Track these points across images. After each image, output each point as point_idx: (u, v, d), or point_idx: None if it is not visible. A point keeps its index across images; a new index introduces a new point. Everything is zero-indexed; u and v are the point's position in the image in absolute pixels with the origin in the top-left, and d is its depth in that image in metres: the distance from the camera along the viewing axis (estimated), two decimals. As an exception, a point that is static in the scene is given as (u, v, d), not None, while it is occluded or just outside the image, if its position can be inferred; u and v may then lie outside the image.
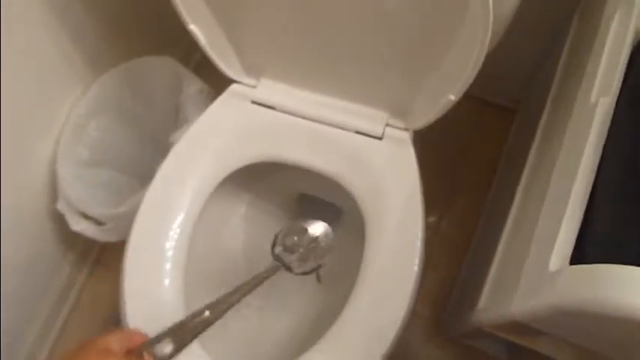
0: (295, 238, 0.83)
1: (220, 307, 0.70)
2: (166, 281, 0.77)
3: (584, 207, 0.53)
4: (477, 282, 0.86)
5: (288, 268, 0.80)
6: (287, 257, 0.81)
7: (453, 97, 0.73)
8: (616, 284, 0.43)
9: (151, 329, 0.75)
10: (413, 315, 1.17)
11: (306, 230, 0.84)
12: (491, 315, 0.70)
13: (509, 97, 1.28)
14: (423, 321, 1.19)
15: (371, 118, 0.84)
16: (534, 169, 0.79)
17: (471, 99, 1.30)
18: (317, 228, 0.85)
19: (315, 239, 0.84)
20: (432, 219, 1.26)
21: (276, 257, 0.80)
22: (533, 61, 1.12)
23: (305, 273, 0.82)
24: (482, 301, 0.78)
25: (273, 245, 0.82)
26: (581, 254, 0.52)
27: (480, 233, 1.16)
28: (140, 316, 0.75)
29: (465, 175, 1.29)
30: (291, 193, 1.09)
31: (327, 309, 0.92)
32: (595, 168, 0.54)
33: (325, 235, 0.84)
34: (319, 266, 0.82)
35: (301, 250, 0.82)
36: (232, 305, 0.70)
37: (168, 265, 0.78)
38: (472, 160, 1.30)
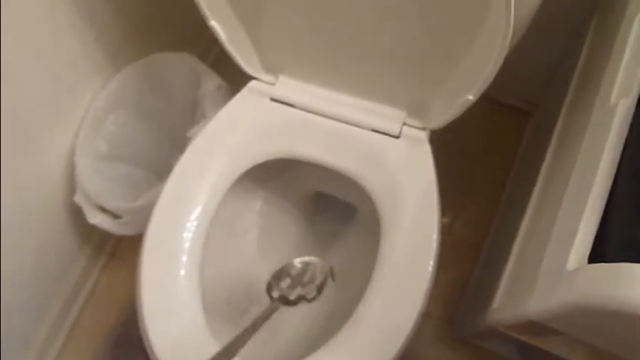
0: (289, 280, 0.79)
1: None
2: (182, 272, 0.78)
3: (603, 207, 0.53)
4: (491, 282, 0.86)
5: (289, 303, 0.78)
6: (278, 287, 0.78)
7: (471, 97, 0.73)
8: (635, 282, 0.43)
9: (165, 319, 0.76)
10: (425, 315, 1.18)
11: (292, 267, 0.81)
12: (507, 315, 0.71)
13: (524, 98, 1.28)
14: (434, 321, 1.19)
15: (388, 116, 0.85)
16: (551, 169, 0.79)
17: (487, 100, 1.30)
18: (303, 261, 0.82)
19: (306, 269, 0.81)
20: (445, 220, 1.26)
21: (276, 300, 0.78)
22: (550, 63, 1.12)
23: (286, 301, 0.78)
24: (497, 300, 0.78)
25: (270, 289, 0.78)
26: (599, 254, 0.52)
27: (493, 234, 1.16)
28: (155, 305, 0.77)
29: (479, 177, 1.29)
30: (306, 191, 1.10)
31: (341, 307, 0.92)
32: (615, 168, 0.54)
33: (314, 263, 0.82)
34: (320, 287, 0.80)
35: (298, 287, 0.79)
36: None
37: (184, 257, 0.79)
38: (486, 162, 1.30)
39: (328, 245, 1.09)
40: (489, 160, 1.30)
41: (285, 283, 0.78)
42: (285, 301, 0.77)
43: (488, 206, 1.24)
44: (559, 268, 0.53)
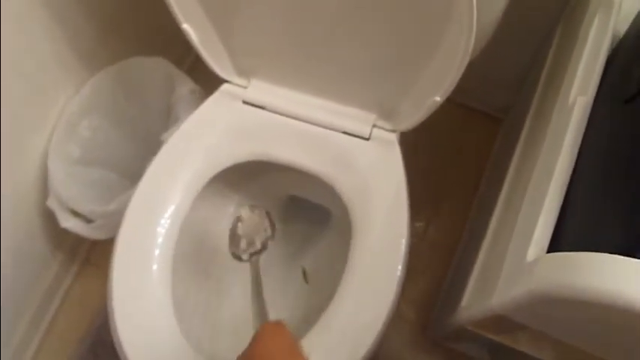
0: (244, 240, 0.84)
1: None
2: (154, 267, 0.79)
3: (561, 201, 0.55)
4: (461, 283, 0.88)
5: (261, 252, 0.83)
6: (239, 250, 0.83)
7: (438, 99, 0.75)
8: (589, 270, 0.44)
9: (137, 318, 0.76)
10: (399, 319, 1.19)
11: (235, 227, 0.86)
12: (474, 311, 0.72)
13: (496, 105, 1.31)
14: (409, 325, 1.20)
15: (359, 119, 0.86)
16: (517, 169, 0.81)
17: (460, 107, 1.34)
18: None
19: (249, 220, 0.86)
20: (419, 224, 1.28)
21: (235, 256, 0.83)
22: (520, 70, 1.15)
23: (257, 251, 0.83)
24: (466, 299, 0.80)
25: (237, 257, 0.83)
26: (557, 246, 0.53)
27: (465, 238, 1.18)
28: (127, 305, 0.77)
29: (452, 182, 1.31)
30: (280, 195, 1.10)
31: (314, 309, 0.93)
32: (572, 163, 0.56)
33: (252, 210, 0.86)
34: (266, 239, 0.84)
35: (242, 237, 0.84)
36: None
37: (157, 252, 0.80)
38: (460, 167, 1.32)
39: (302, 249, 1.09)
40: (463, 165, 1.32)
41: (243, 243, 0.83)
42: (256, 253, 0.82)
43: (461, 210, 1.25)
44: (520, 260, 0.54)
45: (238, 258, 0.82)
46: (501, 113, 1.31)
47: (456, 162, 1.33)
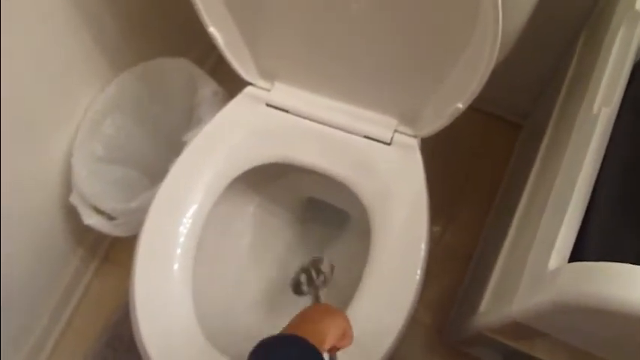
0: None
1: None
2: (175, 265, 0.80)
3: (583, 210, 0.55)
4: (479, 289, 0.88)
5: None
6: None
7: (460, 106, 0.75)
8: (612, 280, 0.44)
9: (157, 312, 0.77)
10: (415, 323, 1.19)
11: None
12: (492, 318, 0.72)
13: (516, 111, 1.30)
14: (425, 329, 1.20)
15: (380, 124, 0.87)
16: (539, 177, 0.81)
17: (479, 112, 1.34)
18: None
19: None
20: (436, 229, 1.28)
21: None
22: (541, 77, 1.15)
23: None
24: (484, 305, 0.80)
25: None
26: (579, 255, 0.54)
27: (483, 243, 1.18)
28: (148, 299, 0.78)
29: (470, 188, 1.31)
30: (299, 197, 1.11)
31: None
32: (596, 173, 0.56)
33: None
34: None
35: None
36: None
37: (178, 250, 0.81)
38: (478, 173, 1.32)
39: (320, 251, 1.10)
40: (481, 170, 1.33)
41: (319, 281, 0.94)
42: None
43: (478, 216, 1.26)
44: (541, 268, 0.55)
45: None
46: (521, 119, 1.31)
47: (474, 167, 1.33)
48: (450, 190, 1.31)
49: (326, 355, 0.62)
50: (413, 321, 1.18)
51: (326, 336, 0.59)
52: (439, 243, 1.27)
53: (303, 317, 0.62)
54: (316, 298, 0.88)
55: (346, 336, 0.66)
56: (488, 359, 1.05)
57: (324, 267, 0.95)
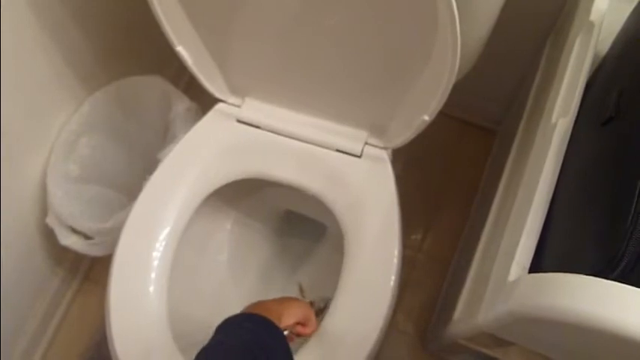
0: None
1: None
2: (151, 288, 0.80)
3: (542, 220, 0.56)
4: (454, 297, 0.89)
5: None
6: None
7: (427, 118, 0.76)
8: (568, 292, 0.45)
9: (134, 336, 0.77)
10: (397, 331, 1.20)
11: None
12: (464, 327, 0.73)
13: (491, 118, 1.32)
14: (407, 337, 1.21)
15: (351, 137, 0.88)
16: (507, 186, 0.83)
17: (455, 120, 1.35)
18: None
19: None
20: (415, 237, 1.29)
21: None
22: (513, 84, 1.16)
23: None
24: (457, 313, 0.81)
25: None
26: (539, 265, 0.54)
27: (460, 251, 1.19)
28: (124, 322, 0.78)
29: (448, 194, 1.32)
30: (277, 210, 1.12)
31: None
32: (553, 184, 0.57)
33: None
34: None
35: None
36: None
37: (153, 274, 0.81)
38: (456, 180, 1.33)
39: (298, 263, 1.11)
40: (460, 178, 1.33)
41: None
42: None
43: (457, 223, 1.26)
44: (502, 279, 0.56)
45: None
46: (495, 125, 1.32)
47: (453, 174, 1.34)
48: (428, 197, 1.32)
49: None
50: (395, 329, 1.20)
51: (282, 315, 0.65)
52: (419, 250, 1.27)
53: (261, 302, 0.68)
54: None
55: (308, 324, 0.72)
56: (468, 367, 1.05)
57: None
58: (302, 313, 0.71)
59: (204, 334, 0.92)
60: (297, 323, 0.72)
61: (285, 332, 0.65)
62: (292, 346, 0.64)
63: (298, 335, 0.73)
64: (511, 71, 1.12)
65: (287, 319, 0.67)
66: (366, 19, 0.70)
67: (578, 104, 0.60)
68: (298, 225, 1.13)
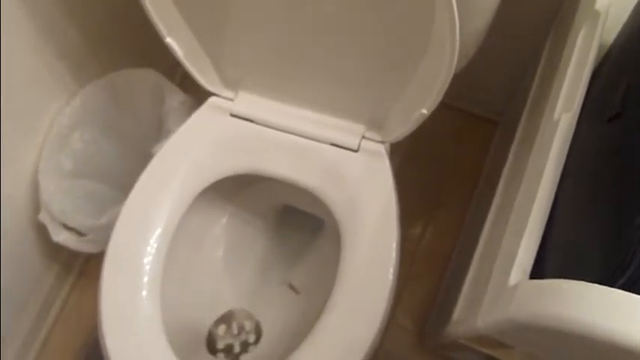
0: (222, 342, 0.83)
1: None
2: (144, 293, 0.78)
3: (544, 222, 0.53)
4: (454, 295, 0.86)
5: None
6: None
7: (425, 112, 0.74)
8: (572, 300, 0.43)
9: (126, 340, 0.76)
10: (397, 327, 1.18)
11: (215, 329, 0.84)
12: (463, 328, 0.71)
13: (492, 109, 1.29)
14: (407, 333, 1.19)
15: (347, 130, 0.85)
16: (508, 182, 0.80)
17: (456, 111, 1.32)
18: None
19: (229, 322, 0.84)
20: (415, 231, 1.26)
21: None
22: (515, 74, 1.13)
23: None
24: (457, 313, 0.79)
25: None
26: (541, 268, 0.52)
27: (459, 246, 1.16)
28: (116, 327, 0.77)
29: (449, 188, 1.30)
30: (273, 205, 1.10)
31: (307, 321, 0.92)
32: (556, 183, 0.54)
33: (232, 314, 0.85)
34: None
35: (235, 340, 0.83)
36: None
37: (145, 279, 0.79)
38: (456, 173, 1.31)
39: (296, 258, 1.09)
40: (460, 170, 1.31)
41: (221, 344, 0.81)
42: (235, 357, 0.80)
43: (457, 218, 1.24)
44: (502, 283, 0.53)
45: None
46: (497, 116, 1.29)
47: (453, 167, 1.32)
48: (428, 190, 1.30)
49: None
50: (394, 325, 1.18)
51: None
52: (419, 245, 1.25)
53: None
54: None
55: None
56: (469, 364, 1.03)
57: (247, 324, 0.84)
58: None
59: (199, 332, 0.92)
60: None
61: None
62: None
63: None
64: (513, 61, 1.09)
65: None
66: (362, 7, 0.67)
67: (583, 98, 0.57)
68: (295, 219, 1.11)
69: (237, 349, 0.80)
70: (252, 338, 0.82)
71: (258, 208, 1.07)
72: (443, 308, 1.01)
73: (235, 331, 0.82)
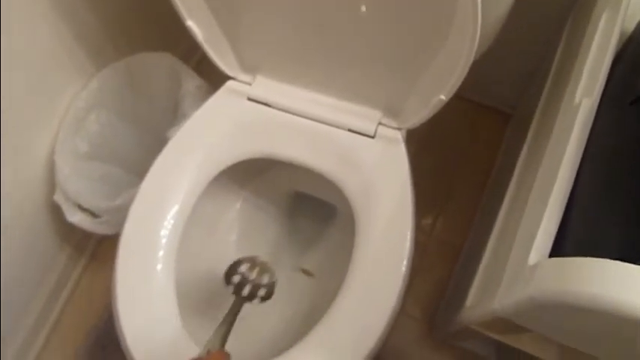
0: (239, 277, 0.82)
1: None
2: (159, 266, 0.79)
3: (564, 204, 0.54)
4: (467, 282, 0.87)
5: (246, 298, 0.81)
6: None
7: (443, 98, 0.74)
8: (595, 277, 0.43)
9: (139, 312, 0.76)
10: (406, 317, 1.19)
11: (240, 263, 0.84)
12: (477, 312, 0.71)
13: (505, 101, 1.29)
14: (416, 323, 1.20)
15: (364, 116, 0.85)
16: (524, 169, 0.80)
17: (468, 102, 1.32)
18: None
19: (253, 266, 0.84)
20: (427, 221, 1.27)
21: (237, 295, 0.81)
22: (529, 66, 1.13)
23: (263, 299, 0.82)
24: (470, 299, 0.79)
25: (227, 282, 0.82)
26: (560, 250, 0.52)
27: (472, 235, 1.17)
28: (130, 299, 0.77)
29: (460, 179, 1.30)
30: (286, 191, 1.10)
31: (319, 306, 0.93)
32: (576, 166, 0.55)
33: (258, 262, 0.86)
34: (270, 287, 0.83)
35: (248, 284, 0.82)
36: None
37: (161, 252, 0.80)
38: (468, 164, 1.31)
39: (308, 245, 1.09)
40: (472, 162, 1.31)
41: (237, 278, 0.81)
42: (239, 295, 0.80)
43: (469, 208, 1.25)
44: (521, 264, 0.54)
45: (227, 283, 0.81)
46: (510, 109, 1.30)
47: (465, 159, 1.32)
48: (440, 181, 1.30)
49: None
50: (403, 314, 1.18)
51: None
52: (430, 235, 1.26)
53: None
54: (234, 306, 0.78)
55: None
56: (480, 352, 1.04)
57: (265, 279, 0.83)
58: None
59: (210, 315, 0.93)
60: None
61: None
62: None
63: None
64: (528, 52, 1.10)
65: None
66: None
67: (604, 84, 0.57)
68: (308, 206, 1.11)
69: (245, 292, 0.80)
70: (262, 291, 0.81)
71: (271, 194, 1.07)
72: (454, 296, 1.02)
73: (253, 275, 0.83)
